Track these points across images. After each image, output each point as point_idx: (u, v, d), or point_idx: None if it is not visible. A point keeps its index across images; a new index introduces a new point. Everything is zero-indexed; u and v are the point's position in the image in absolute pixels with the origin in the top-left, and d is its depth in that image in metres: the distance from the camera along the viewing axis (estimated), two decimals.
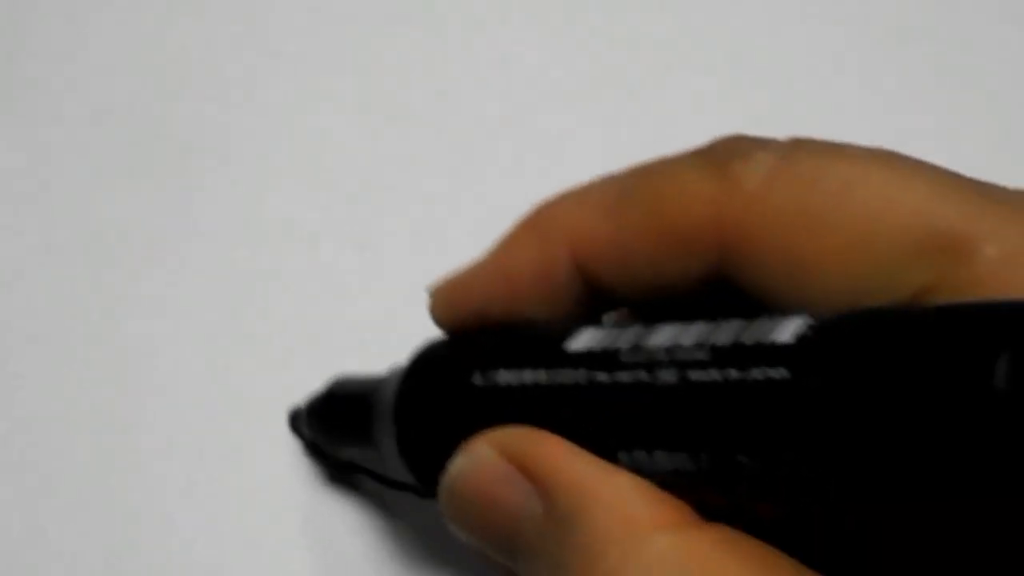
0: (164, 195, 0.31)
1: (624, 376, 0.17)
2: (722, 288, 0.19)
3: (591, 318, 0.20)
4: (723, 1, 0.33)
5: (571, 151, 0.31)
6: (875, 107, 0.32)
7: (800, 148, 0.18)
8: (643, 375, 0.17)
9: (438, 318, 0.22)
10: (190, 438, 0.29)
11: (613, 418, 0.18)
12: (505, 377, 0.20)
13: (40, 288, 0.30)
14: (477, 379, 0.20)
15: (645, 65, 0.32)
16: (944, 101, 0.32)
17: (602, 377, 0.18)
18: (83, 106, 0.32)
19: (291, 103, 0.32)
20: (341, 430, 0.26)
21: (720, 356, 0.16)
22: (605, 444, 0.18)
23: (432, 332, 0.23)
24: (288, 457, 0.29)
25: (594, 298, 0.20)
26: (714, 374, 0.16)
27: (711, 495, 0.17)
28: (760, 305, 0.18)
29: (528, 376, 0.19)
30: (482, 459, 0.19)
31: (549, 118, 0.32)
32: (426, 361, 0.22)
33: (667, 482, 0.17)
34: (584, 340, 0.19)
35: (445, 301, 0.22)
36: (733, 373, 0.16)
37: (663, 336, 0.17)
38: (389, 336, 0.30)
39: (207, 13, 0.33)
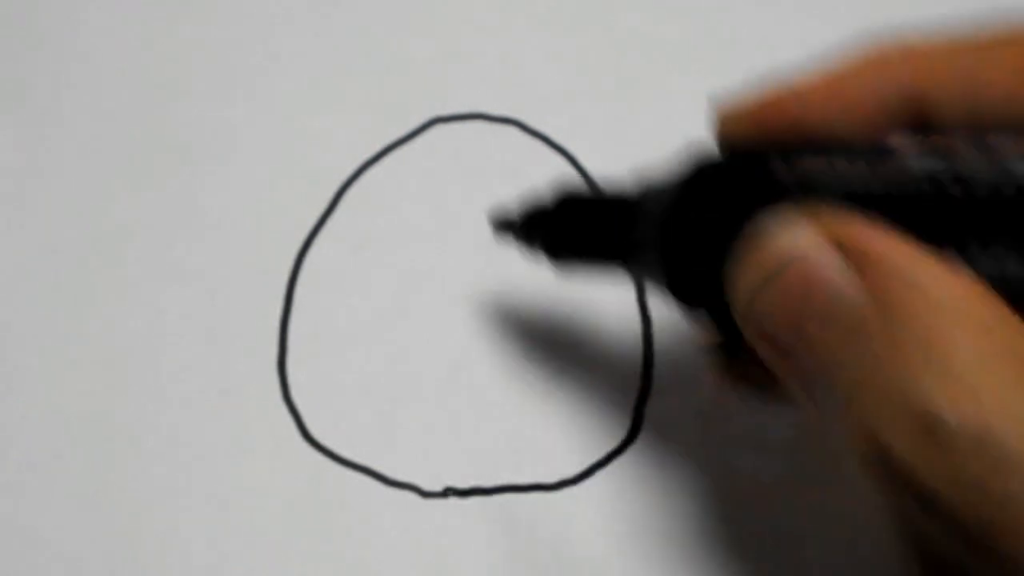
0: (164, 195, 0.31)
1: (967, 170, 0.16)
2: None
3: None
4: (724, 1, 0.33)
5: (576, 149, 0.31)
6: None
7: None
8: (994, 171, 0.16)
9: (728, 131, 0.21)
10: (190, 437, 0.29)
11: (955, 215, 0.16)
12: (814, 165, 0.18)
13: (40, 288, 0.30)
14: (778, 168, 0.18)
15: (648, 66, 0.32)
16: None
17: (938, 168, 0.17)
18: (83, 106, 0.32)
19: (291, 103, 0.32)
20: (574, 235, 0.24)
21: None
22: (938, 243, 0.16)
23: None
24: (288, 455, 0.29)
25: (918, 130, 0.20)
26: None
27: None
28: None
29: (842, 167, 0.17)
30: (802, 235, 0.18)
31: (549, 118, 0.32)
32: (710, 162, 0.20)
33: (999, 290, 0.16)
34: (908, 140, 0.17)
35: (750, 114, 0.21)
36: None
37: (1008, 140, 0.16)
38: (388, 330, 0.30)
39: (207, 14, 0.33)
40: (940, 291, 0.16)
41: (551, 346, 0.29)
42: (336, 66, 0.32)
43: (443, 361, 0.29)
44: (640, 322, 0.29)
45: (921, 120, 0.20)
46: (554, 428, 0.29)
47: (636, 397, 0.29)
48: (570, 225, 0.24)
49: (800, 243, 0.18)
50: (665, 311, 0.29)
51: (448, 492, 0.28)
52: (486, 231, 0.31)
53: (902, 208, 0.17)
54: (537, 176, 0.31)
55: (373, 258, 0.30)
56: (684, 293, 0.20)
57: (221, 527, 0.28)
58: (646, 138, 0.31)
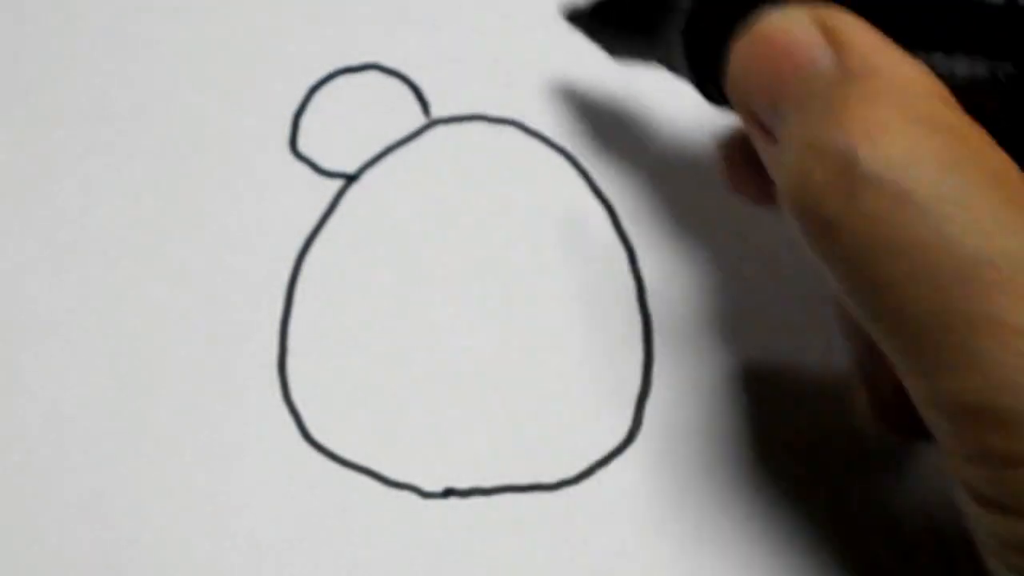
0: (164, 195, 0.31)
1: None
2: None
3: None
4: None
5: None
6: None
7: None
8: None
9: None
10: (190, 437, 0.29)
11: (927, 22, 0.20)
12: None
13: (40, 288, 0.30)
14: None
15: None
16: None
17: None
18: (83, 105, 0.32)
19: (290, 104, 0.32)
20: (621, 19, 0.27)
21: None
22: (911, 44, 0.20)
23: None
24: (288, 455, 0.29)
25: None
26: None
27: (992, 103, 0.19)
28: None
29: None
30: (794, 16, 0.21)
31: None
32: None
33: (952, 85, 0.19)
34: None
35: None
36: None
37: None
38: (388, 330, 0.30)
39: (208, 13, 0.33)
40: (892, 71, 0.19)
41: (551, 346, 0.29)
42: (335, 66, 0.32)
43: (443, 361, 0.29)
44: (640, 322, 0.29)
45: None
46: (554, 428, 0.29)
47: (636, 397, 0.29)
48: (622, 14, 0.27)
49: (789, 19, 0.21)
50: (665, 311, 0.29)
51: (448, 492, 0.28)
52: (486, 232, 0.31)
53: (888, 13, 0.20)
54: (537, 176, 0.31)
55: (373, 258, 0.30)
56: (704, 83, 0.23)
57: (221, 527, 0.28)
58: (648, 138, 0.31)
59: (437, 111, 0.32)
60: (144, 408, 0.29)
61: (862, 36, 0.20)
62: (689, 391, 0.29)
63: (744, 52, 0.22)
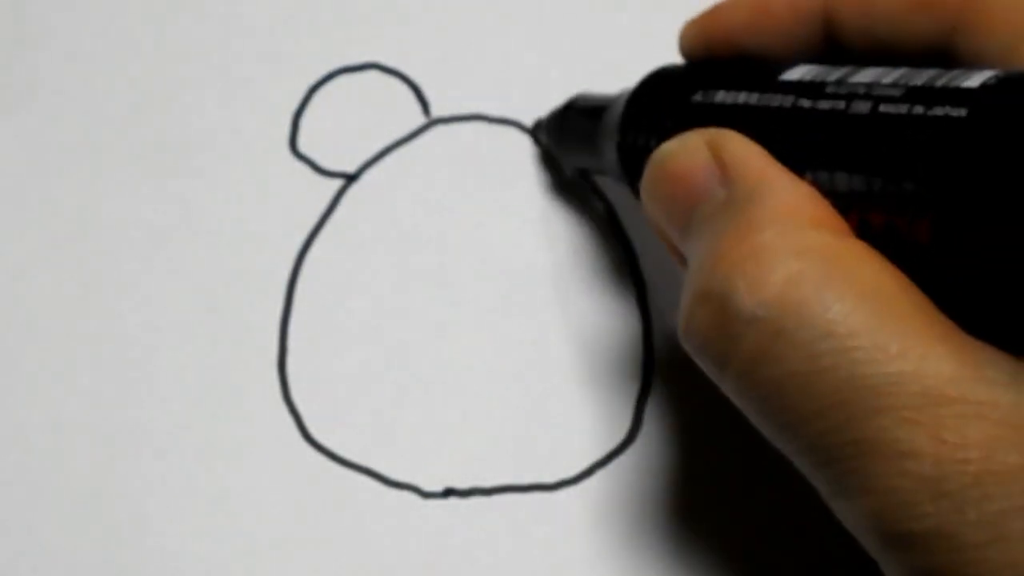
0: (164, 195, 0.31)
1: (824, 104, 0.20)
2: (943, 61, 0.21)
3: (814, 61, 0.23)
4: None
5: None
6: None
7: None
8: (840, 104, 0.20)
9: (685, 46, 0.25)
10: (190, 437, 0.29)
11: (807, 139, 0.20)
12: (722, 97, 0.22)
13: (40, 288, 0.30)
14: (697, 97, 0.23)
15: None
16: None
17: (805, 103, 0.20)
18: (82, 106, 0.32)
19: (290, 104, 0.32)
20: (571, 136, 0.29)
21: (911, 94, 0.19)
22: (795, 162, 0.20)
23: None
24: (288, 455, 0.29)
25: (830, 50, 0.23)
26: (902, 108, 0.19)
27: (874, 216, 0.19)
28: None
29: (742, 97, 0.22)
30: (690, 144, 0.22)
31: None
32: (656, 78, 0.25)
33: (838, 205, 0.20)
34: (798, 72, 0.22)
35: (698, 29, 0.25)
36: (919, 108, 0.18)
37: (867, 75, 0.20)
38: (388, 330, 0.30)
39: (209, 13, 0.33)
40: (775, 197, 0.20)
41: (551, 346, 0.29)
42: (335, 65, 0.32)
43: (443, 361, 0.29)
44: (640, 322, 0.29)
45: (833, 37, 0.23)
46: (554, 428, 0.29)
47: (636, 397, 0.29)
48: (569, 121, 0.29)
49: (683, 146, 0.22)
50: (665, 311, 0.29)
51: (448, 492, 0.28)
52: (486, 232, 0.31)
53: (773, 131, 0.21)
54: (537, 177, 0.31)
55: (373, 258, 0.30)
56: (633, 182, 0.25)
57: (221, 527, 0.28)
58: None
59: (437, 111, 0.32)
60: (144, 408, 0.29)
61: (750, 161, 0.20)
62: (689, 391, 0.29)
63: (648, 182, 0.22)
